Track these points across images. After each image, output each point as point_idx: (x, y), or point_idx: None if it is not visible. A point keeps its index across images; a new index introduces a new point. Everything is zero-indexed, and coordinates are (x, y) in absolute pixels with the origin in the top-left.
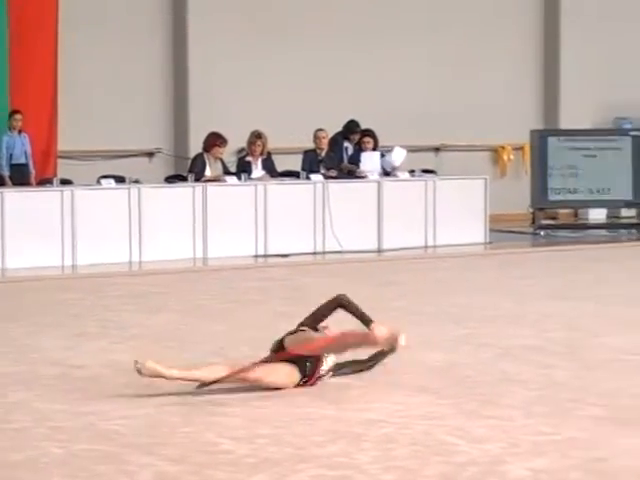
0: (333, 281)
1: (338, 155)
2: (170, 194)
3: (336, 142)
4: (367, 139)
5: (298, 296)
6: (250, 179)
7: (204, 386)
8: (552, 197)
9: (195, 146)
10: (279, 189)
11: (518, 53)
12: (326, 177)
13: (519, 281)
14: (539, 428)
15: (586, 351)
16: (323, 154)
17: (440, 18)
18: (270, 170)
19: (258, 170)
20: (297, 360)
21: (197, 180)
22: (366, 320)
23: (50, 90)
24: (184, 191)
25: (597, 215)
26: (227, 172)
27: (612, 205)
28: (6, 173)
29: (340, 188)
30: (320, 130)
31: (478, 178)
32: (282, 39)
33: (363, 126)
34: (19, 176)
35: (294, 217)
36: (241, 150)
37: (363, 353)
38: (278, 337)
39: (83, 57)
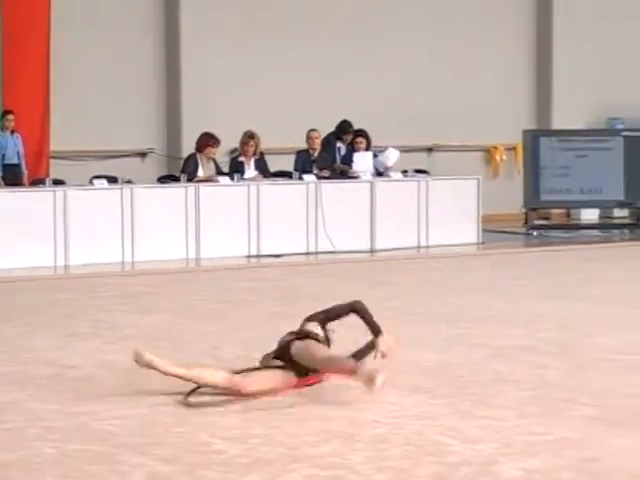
0: (326, 281)
1: (331, 155)
2: (163, 194)
3: (329, 142)
4: (360, 139)
5: (291, 296)
6: (243, 179)
7: (192, 392)
8: (544, 197)
9: (188, 146)
10: (272, 189)
11: (511, 53)
12: (319, 177)
13: (512, 281)
14: (532, 428)
15: (579, 351)
16: (316, 154)
17: (431, 19)
18: (263, 170)
19: (251, 170)
20: (298, 369)
21: (190, 180)
22: (375, 330)
23: (42, 90)
24: (177, 191)
25: (589, 215)
26: (220, 172)
27: (604, 205)
28: None
29: (333, 188)
30: (313, 130)
31: (471, 178)
32: (275, 39)
33: (356, 126)
34: (11, 176)
35: (287, 217)
36: (234, 150)
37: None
38: (281, 337)
39: (75, 57)
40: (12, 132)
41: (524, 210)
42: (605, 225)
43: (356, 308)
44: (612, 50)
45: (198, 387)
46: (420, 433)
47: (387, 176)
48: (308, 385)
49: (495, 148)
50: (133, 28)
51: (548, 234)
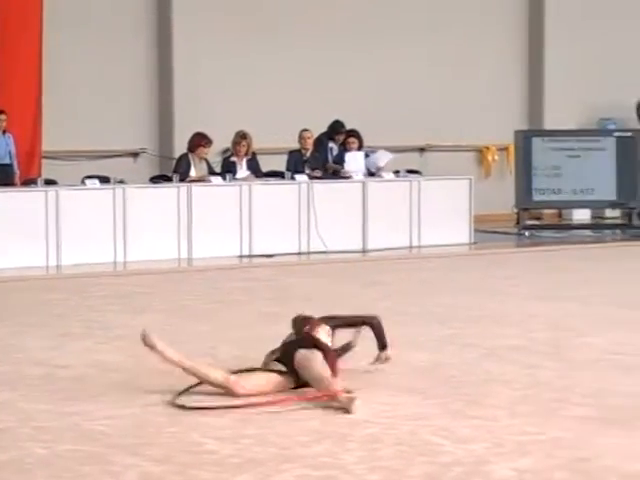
0: (318, 281)
1: (323, 155)
2: (155, 194)
3: (321, 142)
4: (352, 139)
5: (283, 296)
6: (235, 179)
7: (185, 392)
8: (536, 197)
9: (180, 146)
10: (264, 189)
11: (503, 54)
12: (311, 177)
13: (504, 281)
14: (524, 428)
15: (570, 351)
16: (308, 154)
17: (422, 20)
18: (255, 170)
19: (243, 170)
20: (297, 378)
21: (182, 180)
22: (382, 344)
23: (34, 90)
24: (169, 191)
25: (581, 215)
26: (212, 172)
27: (596, 205)
28: None
29: (325, 188)
30: (305, 130)
31: (463, 178)
32: (267, 39)
33: (348, 126)
34: (3, 176)
35: (279, 217)
36: (226, 150)
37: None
38: (287, 337)
39: (68, 57)
40: (4, 132)
41: (516, 210)
42: (597, 225)
43: (372, 323)
44: (604, 50)
45: (190, 387)
46: (412, 433)
47: (379, 176)
48: (305, 399)
49: (487, 148)
50: (125, 28)
51: (540, 234)
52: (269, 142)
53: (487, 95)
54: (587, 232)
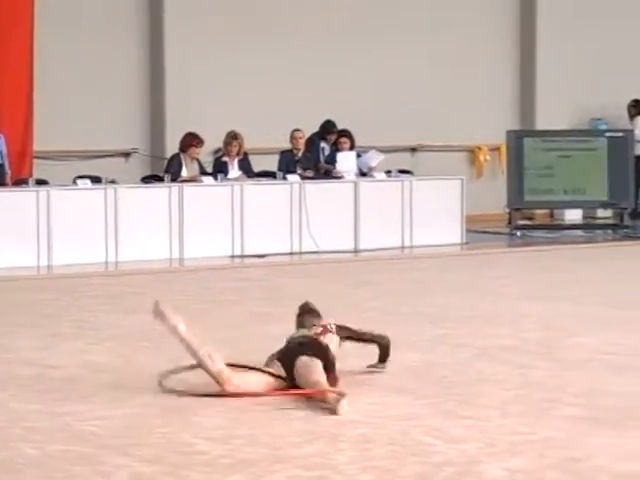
0: (310, 281)
1: (315, 155)
2: (146, 194)
3: (313, 142)
4: (344, 139)
5: (274, 296)
6: (226, 179)
7: (168, 374)
8: (528, 197)
9: (171, 146)
10: (255, 189)
11: (495, 54)
12: (303, 177)
13: (495, 281)
14: (515, 428)
15: (562, 351)
16: (300, 154)
17: (412, 21)
18: (247, 170)
19: (234, 170)
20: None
21: (173, 180)
22: (383, 360)
23: (26, 90)
24: (160, 191)
25: (573, 216)
26: (203, 172)
27: (588, 206)
28: None
29: (317, 188)
30: (297, 130)
31: (455, 178)
32: (259, 40)
33: (340, 126)
34: None
35: (271, 217)
36: (217, 150)
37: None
38: (290, 336)
39: (59, 56)
40: None
41: (508, 210)
42: (589, 225)
43: (381, 344)
44: (596, 51)
45: (183, 368)
46: (404, 433)
47: (371, 176)
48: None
49: (479, 148)
50: (117, 28)
51: (532, 234)
52: (261, 142)
53: (479, 95)
54: (579, 232)
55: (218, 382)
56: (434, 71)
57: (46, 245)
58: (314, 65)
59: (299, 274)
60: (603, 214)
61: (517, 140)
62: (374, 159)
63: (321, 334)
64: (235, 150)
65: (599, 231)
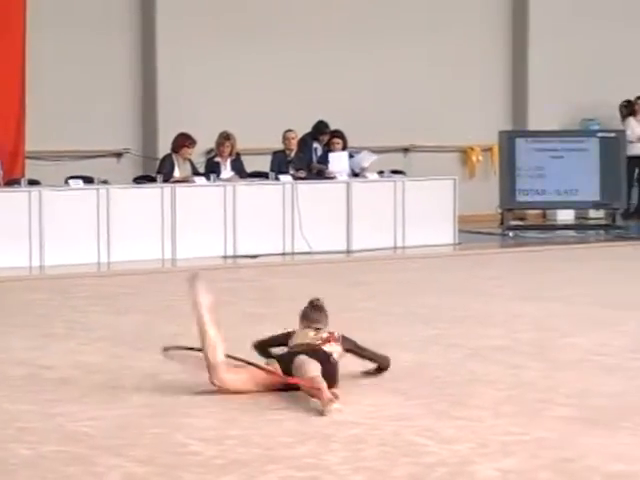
0: (302, 282)
1: (307, 156)
2: (139, 195)
3: (305, 143)
4: (336, 140)
5: (267, 297)
6: (219, 180)
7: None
8: (520, 198)
9: (164, 147)
10: (248, 190)
11: (487, 54)
12: (295, 178)
13: (488, 282)
14: (508, 428)
15: (555, 351)
16: (292, 155)
17: (404, 21)
18: (239, 171)
19: (227, 171)
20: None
21: (166, 181)
22: (378, 372)
23: (17, 90)
24: (153, 192)
25: (565, 216)
26: (196, 173)
27: (580, 206)
28: None
29: (309, 189)
30: (289, 131)
31: (447, 179)
32: (251, 40)
33: (332, 127)
34: None
35: (263, 218)
36: (210, 151)
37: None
38: (293, 350)
39: (51, 57)
40: None
41: (500, 211)
42: (581, 226)
43: (381, 365)
44: (588, 51)
45: (186, 348)
46: (396, 434)
47: (363, 177)
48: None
49: (471, 149)
50: (109, 28)
51: (524, 235)
52: (253, 143)
53: (471, 96)
54: (571, 233)
55: (209, 372)
56: (426, 72)
57: (38, 245)
58: (306, 66)
59: (291, 275)
60: (595, 214)
61: (509, 140)
62: (366, 159)
63: (326, 341)
64: (227, 150)
65: (591, 231)
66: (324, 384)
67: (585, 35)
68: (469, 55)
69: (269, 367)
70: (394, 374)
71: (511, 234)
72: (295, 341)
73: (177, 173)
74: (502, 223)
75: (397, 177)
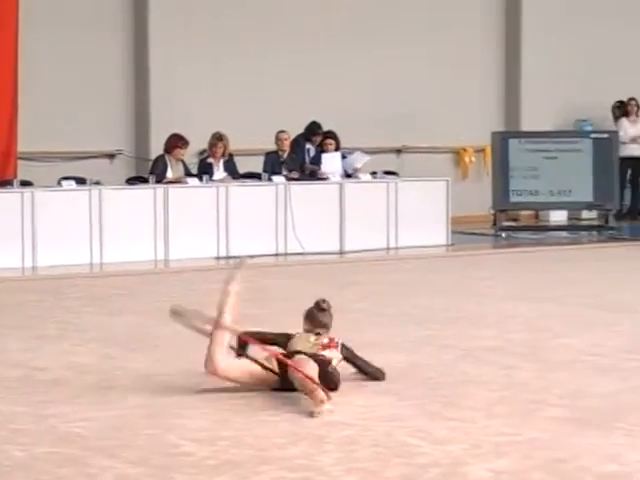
0: (295, 283)
1: (300, 157)
2: (131, 196)
3: (298, 144)
4: (329, 141)
5: (260, 298)
6: (212, 181)
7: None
8: (513, 199)
9: (156, 147)
10: (241, 191)
11: (479, 55)
12: (288, 179)
13: (481, 282)
14: (500, 429)
15: (547, 352)
16: (285, 156)
17: (398, 23)
18: (232, 172)
19: (220, 172)
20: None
21: (158, 182)
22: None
23: (10, 90)
24: (145, 193)
25: (558, 217)
26: (188, 174)
27: (573, 207)
28: None
29: (302, 190)
30: (282, 132)
31: (440, 180)
32: (243, 41)
33: (325, 128)
34: None
35: (256, 219)
36: (202, 152)
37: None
38: (300, 345)
39: (43, 57)
40: None
41: (493, 212)
42: (574, 227)
43: (376, 376)
44: (581, 51)
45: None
46: (389, 434)
47: (356, 177)
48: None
49: (464, 150)
50: (101, 29)
51: (517, 235)
52: (246, 143)
53: (464, 96)
54: (564, 233)
55: (207, 358)
56: (419, 73)
57: (30, 246)
58: (297, 67)
59: (284, 275)
60: (588, 215)
61: (502, 141)
62: (359, 160)
63: (326, 346)
64: (220, 151)
65: (584, 232)
66: (320, 390)
67: (578, 36)
68: (462, 56)
69: (265, 363)
70: (387, 375)
71: (504, 235)
72: (295, 346)
73: (170, 174)
74: (495, 224)
75: (390, 178)
